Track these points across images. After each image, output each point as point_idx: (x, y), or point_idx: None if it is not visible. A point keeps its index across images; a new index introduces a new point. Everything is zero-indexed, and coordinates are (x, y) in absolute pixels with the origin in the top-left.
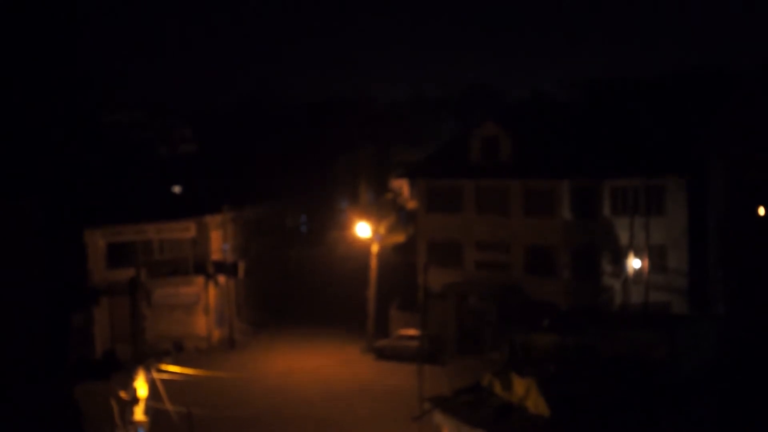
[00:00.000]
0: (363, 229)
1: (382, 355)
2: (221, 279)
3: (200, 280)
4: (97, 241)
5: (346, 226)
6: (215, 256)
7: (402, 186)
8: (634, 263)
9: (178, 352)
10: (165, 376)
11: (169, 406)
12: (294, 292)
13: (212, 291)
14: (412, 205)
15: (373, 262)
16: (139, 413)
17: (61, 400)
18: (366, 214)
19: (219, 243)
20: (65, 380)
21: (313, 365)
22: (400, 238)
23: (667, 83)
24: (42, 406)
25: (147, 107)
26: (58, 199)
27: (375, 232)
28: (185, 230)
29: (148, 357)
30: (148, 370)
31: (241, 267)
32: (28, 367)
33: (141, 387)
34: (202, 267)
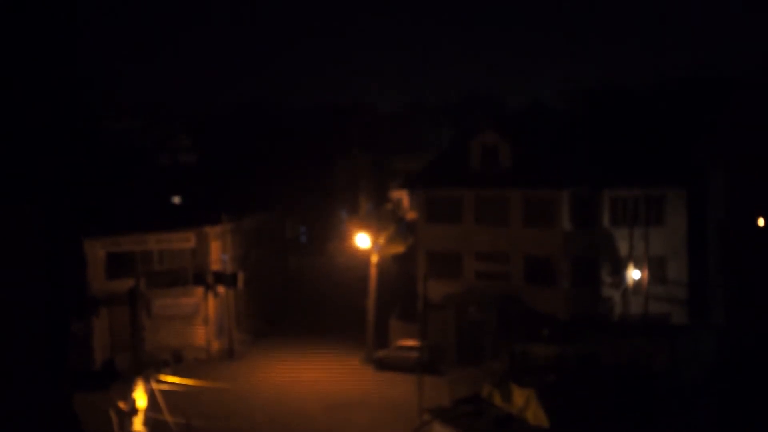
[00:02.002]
0: (362, 240)
1: (381, 365)
2: (221, 289)
3: (200, 290)
4: (97, 251)
5: (345, 236)
6: (215, 266)
7: (401, 196)
8: (634, 274)
9: (177, 363)
10: (164, 387)
11: (168, 416)
12: (293, 302)
13: (212, 301)
14: (411, 215)
15: (373, 273)
16: (138, 424)
17: (60, 411)
18: (365, 225)
19: (218, 253)
20: (64, 390)
21: (313, 375)
22: (399, 248)
23: (666, 92)
24: (41, 416)
25: (146, 115)
26: (58, 209)
27: (374, 242)
28: (185, 240)
29: (147, 367)
30: (147, 381)
31: (241, 277)
32: (27, 376)
33: (140, 397)
34: (201, 277)
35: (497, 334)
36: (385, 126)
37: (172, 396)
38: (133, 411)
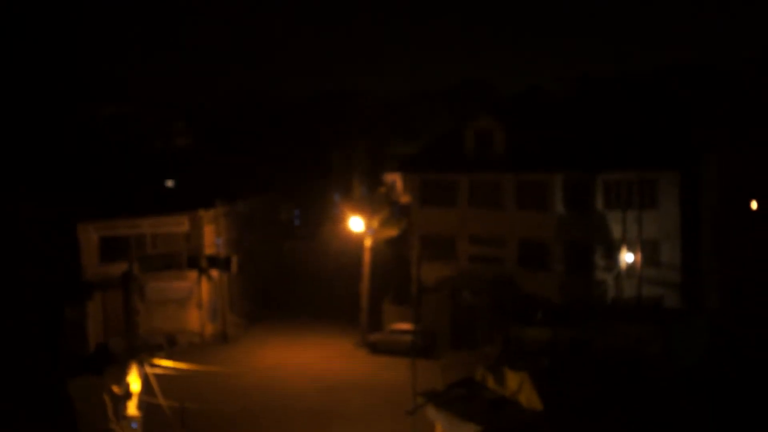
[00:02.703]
0: (356, 223)
1: (375, 348)
2: (214, 273)
3: (193, 274)
4: (91, 236)
5: (339, 220)
6: (208, 250)
7: (395, 180)
8: (627, 257)
9: (171, 347)
10: (158, 371)
11: (162, 400)
12: (287, 286)
13: (205, 285)
14: (405, 198)
15: (367, 256)
16: (132, 408)
17: (55, 394)
18: (359, 208)
19: (212, 237)
20: (58, 374)
21: (307, 359)
22: (393, 231)
23: (662, 77)
24: (35, 400)
25: (141, 100)
26: (52, 193)
27: (368, 226)
28: (178, 224)
29: (141, 351)
30: (141, 365)
31: (235, 261)
32: (22, 361)
33: (134, 381)
34: (195, 261)
35: (491, 318)
36: (380, 111)
37: (166, 380)
38: (127, 395)
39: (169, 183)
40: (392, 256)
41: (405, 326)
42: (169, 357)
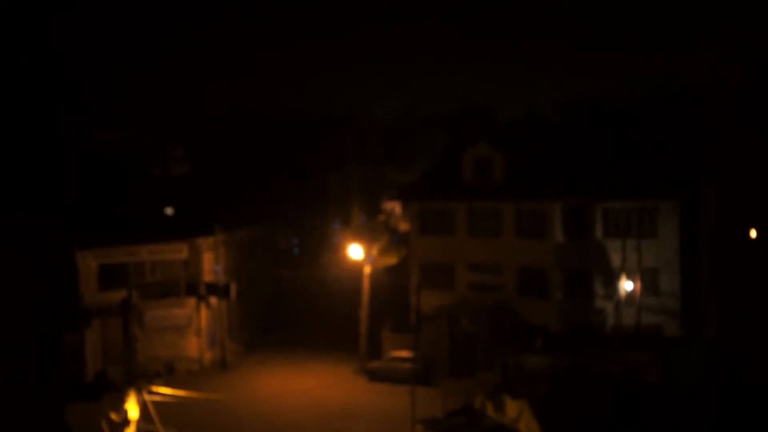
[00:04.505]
0: (355, 251)
1: (374, 376)
2: (213, 300)
3: (192, 301)
4: (90, 263)
5: (338, 248)
6: (207, 277)
7: (394, 207)
8: (627, 285)
9: (169, 374)
10: (156, 398)
11: (160, 427)
12: (286, 313)
13: (204, 312)
14: (404, 226)
15: (366, 284)
16: None
17: (53, 421)
18: (358, 236)
19: (211, 264)
20: (57, 401)
21: (305, 386)
22: (392, 259)
23: (659, 104)
24: (34, 427)
25: (139, 127)
26: (51, 220)
27: (367, 253)
28: (177, 252)
29: (139, 379)
30: (139, 392)
31: (233, 288)
32: (20, 387)
33: (132, 409)
34: (194, 288)
35: (490, 346)
36: (379, 137)
37: (164, 407)
38: (125, 422)
39: (168, 210)
40: (391, 284)
41: (404, 354)
42: (167, 384)
